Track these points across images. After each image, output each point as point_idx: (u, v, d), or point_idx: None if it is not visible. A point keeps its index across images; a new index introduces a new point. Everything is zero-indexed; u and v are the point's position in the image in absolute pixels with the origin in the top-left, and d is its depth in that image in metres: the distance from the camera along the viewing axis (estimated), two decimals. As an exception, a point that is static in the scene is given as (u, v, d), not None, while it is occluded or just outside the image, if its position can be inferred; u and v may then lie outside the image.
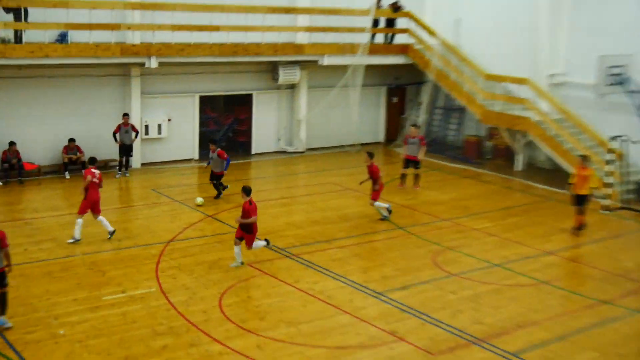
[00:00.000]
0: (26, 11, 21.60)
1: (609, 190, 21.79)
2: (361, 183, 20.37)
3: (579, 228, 19.26)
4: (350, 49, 27.37)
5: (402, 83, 31.48)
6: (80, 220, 16.92)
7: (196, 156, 26.38)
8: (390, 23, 29.29)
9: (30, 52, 21.26)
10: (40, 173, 23.14)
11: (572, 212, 19.49)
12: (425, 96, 29.48)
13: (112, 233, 17.32)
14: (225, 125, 27.98)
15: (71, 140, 23.15)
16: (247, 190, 15.53)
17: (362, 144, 29.03)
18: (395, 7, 28.93)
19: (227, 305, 13.85)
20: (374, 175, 19.58)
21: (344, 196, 22.02)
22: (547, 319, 13.87)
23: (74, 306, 13.55)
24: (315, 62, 27.42)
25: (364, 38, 27.63)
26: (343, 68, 27.56)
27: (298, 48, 26.67)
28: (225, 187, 21.32)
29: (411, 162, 23.18)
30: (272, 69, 27.49)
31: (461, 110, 29.35)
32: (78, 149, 23.30)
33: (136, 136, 23.79)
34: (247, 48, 25.14)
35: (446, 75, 28.18)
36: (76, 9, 22.18)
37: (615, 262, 17.33)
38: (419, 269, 16.22)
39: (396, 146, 29.51)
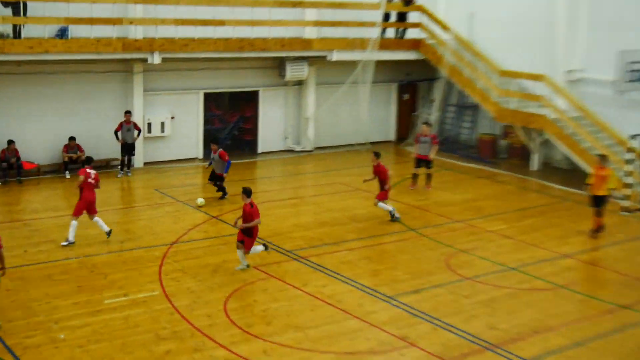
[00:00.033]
0: (25, 5, 21.64)
1: (628, 191, 21.70)
2: (365, 181, 20.31)
3: (598, 230, 19.19)
4: (360, 44, 27.36)
5: (414, 79, 31.45)
6: (74, 222, 16.90)
7: (200, 155, 26.43)
8: (402, 17, 29.28)
9: (29, 47, 21.32)
10: (40, 172, 23.22)
11: (590, 214, 19.44)
12: (437, 93, 29.44)
13: (109, 233, 17.35)
14: (230, 123, 28.01)
15: (71, 138, 23.21)
16: (247, 192, 15.47)
17: (372, 143, 29.01)
18: (407, 1, 28.94)
19: (233, 309, 13.87)
20: (381, 175, 19.54)
21: (354, 197, 22.02)
22: (564, 325, 13.84)
23: (75, 310, 13.58)
24: (324, 57, 27.42)
25: (374, 33, 27.59)
26: (352, 64, 27.55)
27: (306, 43, 26.68)
28: (224, 194, 21.23)
29: (423, 161, 23.15)
30: (279, 64, 27.51)
31: (475, 107, 29.31)
32: (79, 147, 23.37)
33: (138, 134, 23.85)
34: (253, 43, 25.15)
35: (459, 71, 28.14)
36: (77, 3, 22.27)
37: (635, 265, 17.27)
38: (431, 272, 16.21)
39: (407, 145, 29.47)
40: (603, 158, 19.36)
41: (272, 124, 28.26)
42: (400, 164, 26.87)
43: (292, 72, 27.27)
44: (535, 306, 14.63)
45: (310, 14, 27.39)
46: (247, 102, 27.95)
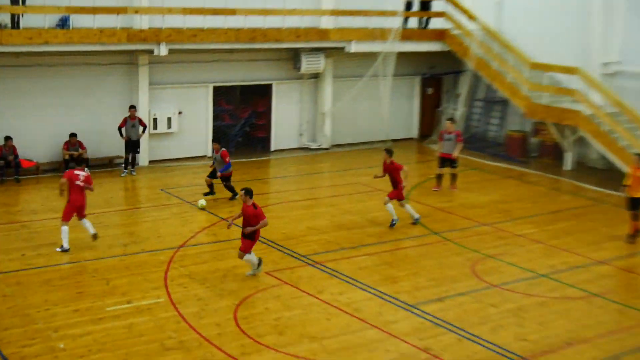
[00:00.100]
0: (24, -7, 21.84)
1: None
2: (376, 177, 20.23)
3: (635, 235, 19.09)
4: (381, 34, 27.35)
5: (438, 72, 31.41)
6: (65, 228, 16.82)
7: (209, 153, 26.48)
8: (425, 6, 29.26)
9: (28, 38, 21.43)
10: (39, 171, 23.32)
11: (626, 217, 19.33)
12: (463, 87, 29.39)
13: (94, 236, 17.14)
14: (241, 119, 28.05)
15: (73, 135, 23.30)
16: (250, 193, 15.38)
17: (394, 140, 28.99)
18: (431, -12, 28.96)
19: (243, 317, 13.88)
20: (394, 173, 19.43)
21: (373, 198, 22.00)
22: (599, 336, 13.77)
23: (75, 317, 13.63)
24: (342, 49, 27.43)
25: (395, 22, 27.60)
26: (372, 56, 27.53)
27: (322, 33, 26.70)
28: (234, 195, 21.21)
29: (447, 160, 23.08)
30: (294, 56, 27.55)
31: (504, 102, 29.23)
32: (80, 144, 23.45)
33: (144, 131, 23.92)
34: (266, 33, 25.20)
35: (487, 64, 28.07)
36: (79, -9, 22.43)
37: (676, 272, 17.22)
38: (456, 279, 16.18)
39: (431, 142, 29.43)
40: (642, 157, 19.27)
41: (286, 120, 28.30)
42: (423, 163, 26.83)
43: (308, 64, 27.29)
44: (567, 316, 14.57)
45: (327, 3, 27.42)
46: (259, 96, 27.99)
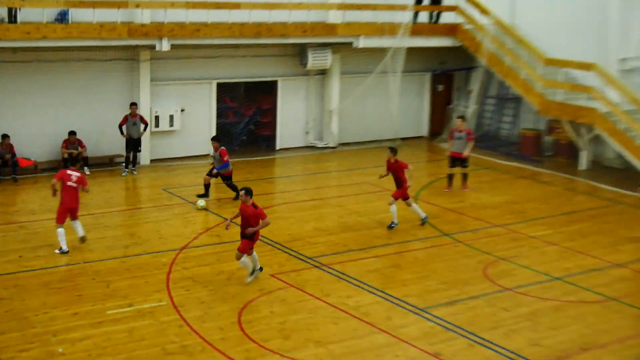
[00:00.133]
0: (22, -13, 21.87)
1: (688, 193, 21.59)
2: (381, 177, 20.18)
3: (654, 236, 19.11)
4: (390, 29, 27.34)
5: (449, 69, 31.40)
6: (61, 230, 16.84)
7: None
8: (436, -1, 29.32)
9: (25, 33, 21.49)
10: (37, 170, 23.39)
11: (645, 218, 19.37)
12: (475, 84, 29.38)
13: (82, 239, 17.10)
14: (246, 117, 28.08)
15: (72, 133, 23.34)
16: (251, 192, 15.27)
17: (403, 139, 29.01)
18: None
19: (248, 321, 13.91)
20: (399, 172, 19.37)
21: (381, 198, 21.99)
22: (615, 342, 13.76)
23: (75, 321, 13.66)
24: (350, 44, 27.45)
25: (405, 17, 27.60)
26: (381, 51, 27.53)
27: (330, 28, 26.71)
28: (238, 195, 21.11)
29: (457, 160, 23.07)
30: (300, 52, 27.57)
31: (517, 100, 29.20)
32: (79, 143, 23.50)
33: (145, 129, 23.97)
34: (271, 28, 25.22)
35: (500, 60, 28.05)
36: (78, -15, 22.47)
37: (696, 276, 17.19)
38: (467, 282, 16.18)
39: (441, 141, 29.41)
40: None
41: (292, 118, 28.32)
42: (433, 162, 26.82)
43: (315, 60, 27.31)
44: (583, 321, 14.56)
45: (335, -4, 27.44)
46: (264, 93, 28.02)
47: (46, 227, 18.55)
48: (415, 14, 28.46)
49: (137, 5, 23.42)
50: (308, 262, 16.95)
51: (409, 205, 19.59)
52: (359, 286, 15.73)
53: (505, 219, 20.61)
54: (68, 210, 16.89)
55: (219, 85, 26.66)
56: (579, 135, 26.53)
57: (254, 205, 15.25)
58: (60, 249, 16.84)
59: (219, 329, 13.57)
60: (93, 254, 16.92)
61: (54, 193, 16.96)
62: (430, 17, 29.39)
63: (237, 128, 27.63)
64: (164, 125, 25.42)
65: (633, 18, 26.19)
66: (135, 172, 23.94)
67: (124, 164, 24.02)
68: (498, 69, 28.22)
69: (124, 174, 23.72)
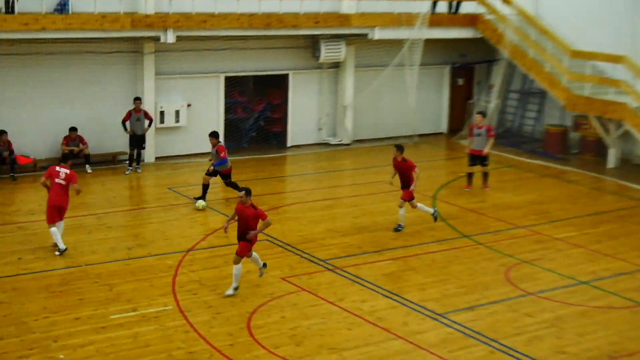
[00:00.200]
0: (20, -24, 21.98)
1: None
2: (391, 184, 20.13)
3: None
4: (407, 20, 27.35)
5: (470, 61, 31.40)
6: (54, 229, 16.94)
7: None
8: (456, -12, 29.32)
9: (24, 24, 21.56)
10: (37, 168, 23.45)
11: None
12: (497, 77, 29.35)
13: (62, 251, 16.93)
14: (255, 112, 28.11)
15: (72, 129, 23.45)
16: (250, 193, 15.20)
17: (421, 135, 29.03)
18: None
19: (257, 327, 13.97)
20: (407, 172, 19.34)
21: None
22: (644, 349, 13.81)
23: (76, 326, 13.74)
24: (365, 35, 27.48)
25: (423, 7, 27.61)
26: (398, 43, 27.56)
27: (343, 19, 26.74)
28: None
29: (477, 157, 23.03)
30: (312, 44, 27.61)
31: (541, 94, 29.19)
32: (81, 139, 23.61)
33: (149, 125, 24.05)
34: (282, 19, 25.27)
35: (523, 52, 28.04)
36: (79, -27, 22.57)
37: None
38: (488, 286, 16.20)
39: (461, 138, 29.39)
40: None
41: (304, 113, 28.36)
42: (452, 159, 26.82)
43: (328, 52, 27.34)
44: (610, 327, 14.55)
45: (349, -15, 27.49)
46: (275, 87, 28.07)
47: (46, 228, 18.51)
48: (434, 4, 28.47)
49: (141, -5, 23.58)
50: (321, 265, 17.00)
51: (413, 206, 19.50)
52: (374, 290, 15.77)
53: (528, 220, 20.61)
54: (55, 209, 16.93)
55: (227, 79, 26.69)
56: (607, 132, 26.49)
57: (253, 206, 15.17)
58: (59, 249, 16.92)
59: (228, 334, 13.62)
60: (95, 256, 17.00)
61: (48, 192, 17.07)
62: (450, 7, 29.39)
63: (247, 124, 27.67)
64: (169, 121, 25.48)
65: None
66: (139, 170, 24.02)
67: (127, 162, 24.08)
68: (521, 61, 28.20)
69: (127, 172, 23.81)
